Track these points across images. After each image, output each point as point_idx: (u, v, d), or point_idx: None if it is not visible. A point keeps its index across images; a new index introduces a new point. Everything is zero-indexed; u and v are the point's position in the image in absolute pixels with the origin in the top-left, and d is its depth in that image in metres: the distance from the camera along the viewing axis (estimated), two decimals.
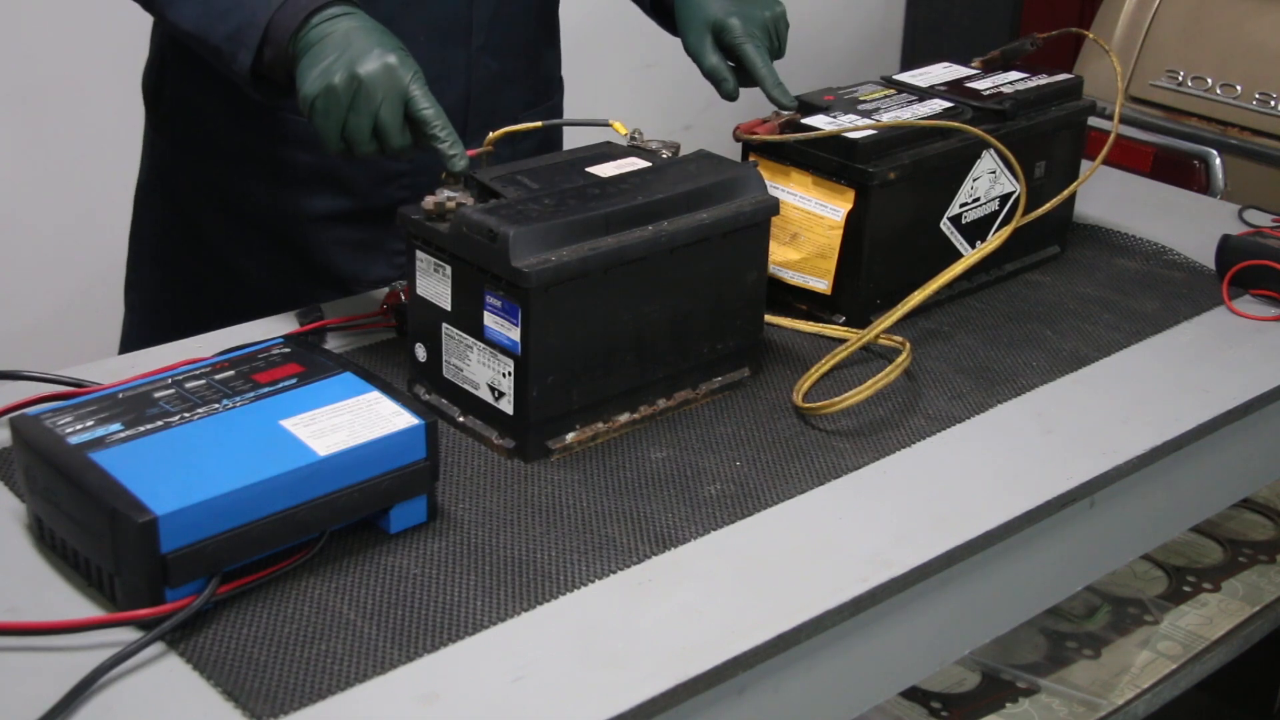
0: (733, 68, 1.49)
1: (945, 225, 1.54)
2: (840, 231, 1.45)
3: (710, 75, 1.50)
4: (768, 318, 1.42)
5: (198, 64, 1.50)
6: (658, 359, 1.29)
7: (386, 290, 1.46)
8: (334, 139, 1.27)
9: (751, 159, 1.51)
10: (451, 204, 1.23)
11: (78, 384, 1.28)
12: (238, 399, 1.11)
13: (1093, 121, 1.70)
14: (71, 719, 0.92)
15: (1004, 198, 1.59)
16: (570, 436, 1.25)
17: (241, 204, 1.55)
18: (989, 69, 1.70)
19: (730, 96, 1.50)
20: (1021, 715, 1.54)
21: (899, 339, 1.39)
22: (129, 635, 0.98)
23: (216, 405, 1.10)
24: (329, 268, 1.55)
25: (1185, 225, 1.79)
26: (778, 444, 1.27)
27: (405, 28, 1.46)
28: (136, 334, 1.68)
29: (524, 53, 1.60)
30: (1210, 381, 1.42)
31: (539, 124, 1.45)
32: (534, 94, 1.64)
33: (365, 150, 1.27)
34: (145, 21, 1.54)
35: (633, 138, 1.40)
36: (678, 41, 1.54)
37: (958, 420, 1.33)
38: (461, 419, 1.27)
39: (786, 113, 1.50)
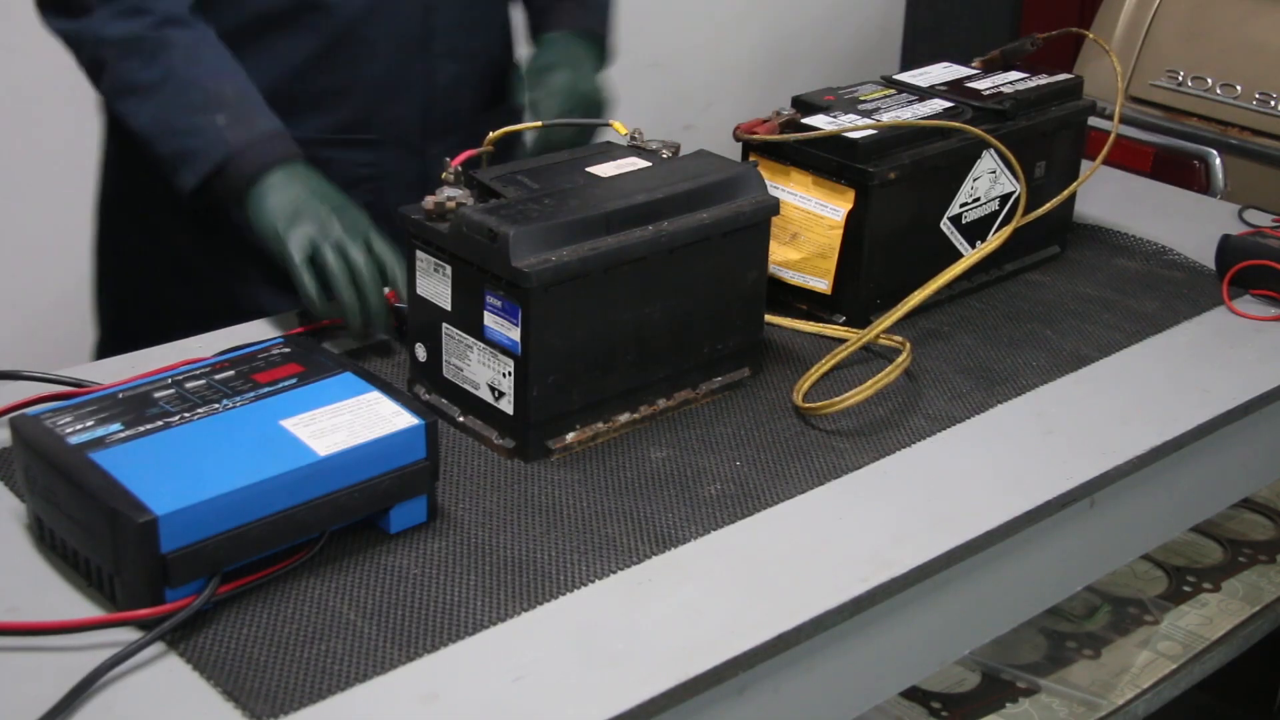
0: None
1: (945, 225, 1.54)
2: (840, 231, 1.45)
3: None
4: (768, 318, 1.42)
5: None
6: (658, 359, 1.29)
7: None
8: (301, 258, 1.33)
9: (751, 159, 1.51)
10: (451, 204, 1.23)
11: (78, 384, 1.28)
12: (238, 399, 1.11)
13: (1093, 121, 1.70)
14: (71, 719, 0.92)
15: (1004, 198, 1.59)
16: (570, 436, 1.25)
17: (205, 212, 1.53)
18: (989, 69, 1.70)
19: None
20: (1021, 715, 1.54)
21: (899, 339, 1.39)
22: (129, 635, 0.98)
23: (216, 405, 1.10)
24: (278, 279, 1.49)
25: (1185, 225, 1.79)
26: (778, 444, 1.27)
27: (368, 34, 1.48)
28: (109, 351, 1.64)
29: (482, 56, 1.61)
30: (1210, 381, 1.42)
31: (539, 124, 1.45)
32: (493, 95, 1.65)
33: (333, 268, 1.33)
34: None
35: (633, 138, 1.40)
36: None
37: (958, 420, 1.33)
38: (461, 419, 1.27)
39: (786, 112, 1.51)
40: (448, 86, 1.56)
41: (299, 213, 1.35)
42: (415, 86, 1.54)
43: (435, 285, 1.25)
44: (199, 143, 1.36)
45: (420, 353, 1.30)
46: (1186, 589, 1.76)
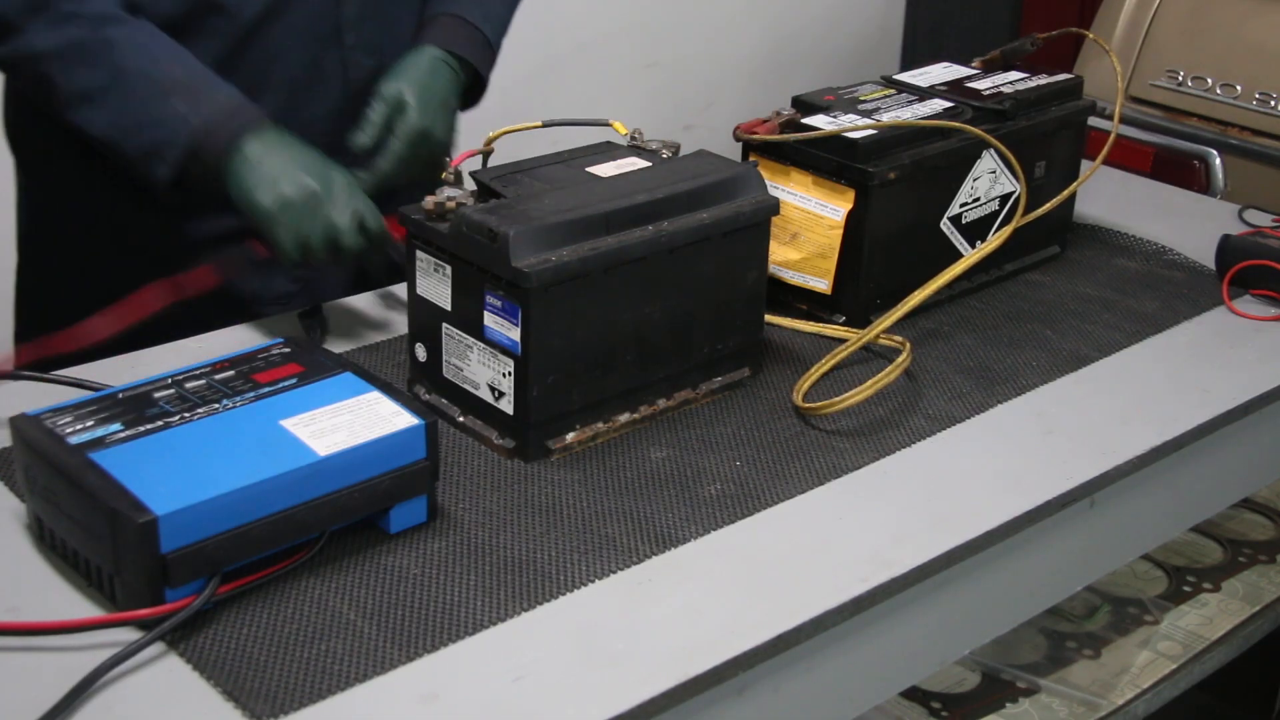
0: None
1: (945, 225, 1.54)
2: (840, 231, 1.45)
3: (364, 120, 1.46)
4: (768, 318, 1.42)
5: None
6: (658, 359, 1.29)
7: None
8: (291, 247, 1.33)
9: (751, 159, 1.51)
10: (451, 204, 1.23)
11: (77, 384, 1.28)
12: (238, 399, 1.11)
13: (1093, 121, 1.70)
14: (71, 719, 0.92)
15: (1004, 198, 1.59)
16: (570, 436, 1.25)
17: (132, 236, 1.49)
18: (989, 69, 1.70)
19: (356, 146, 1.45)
20: (1021, 715, 1.54)
21: (899, 339, 1.39)
22: (129, 635, 0.98)
23: (216, 405, 1.10)
24: (227, 289, 1.48)
25: (1185, 225, 1.79)
26: (778, 444, 1.27)
27: (275, 33, 1.44)
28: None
29: (401, 46, 1.53)
30: (1210, 381, 1.42)
31: (539, 124, 1.45)
32: None
33: (320, 257, 1.33)
34: None
35: (633, 138, 1.40)
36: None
37: (958, 420, 1.33)
38: (461, 419, 1.27)
39: (786, 112, 1.51)
40: (364, 81, 1.50)
41: (286, 196, 1.32)
42: (331, 82, 1.49)
43: (435, 285, 1.25)
44: (162, 133, 1.32)
45: (420, 353, 1.30)
46: (1186, 589, 1.76)
